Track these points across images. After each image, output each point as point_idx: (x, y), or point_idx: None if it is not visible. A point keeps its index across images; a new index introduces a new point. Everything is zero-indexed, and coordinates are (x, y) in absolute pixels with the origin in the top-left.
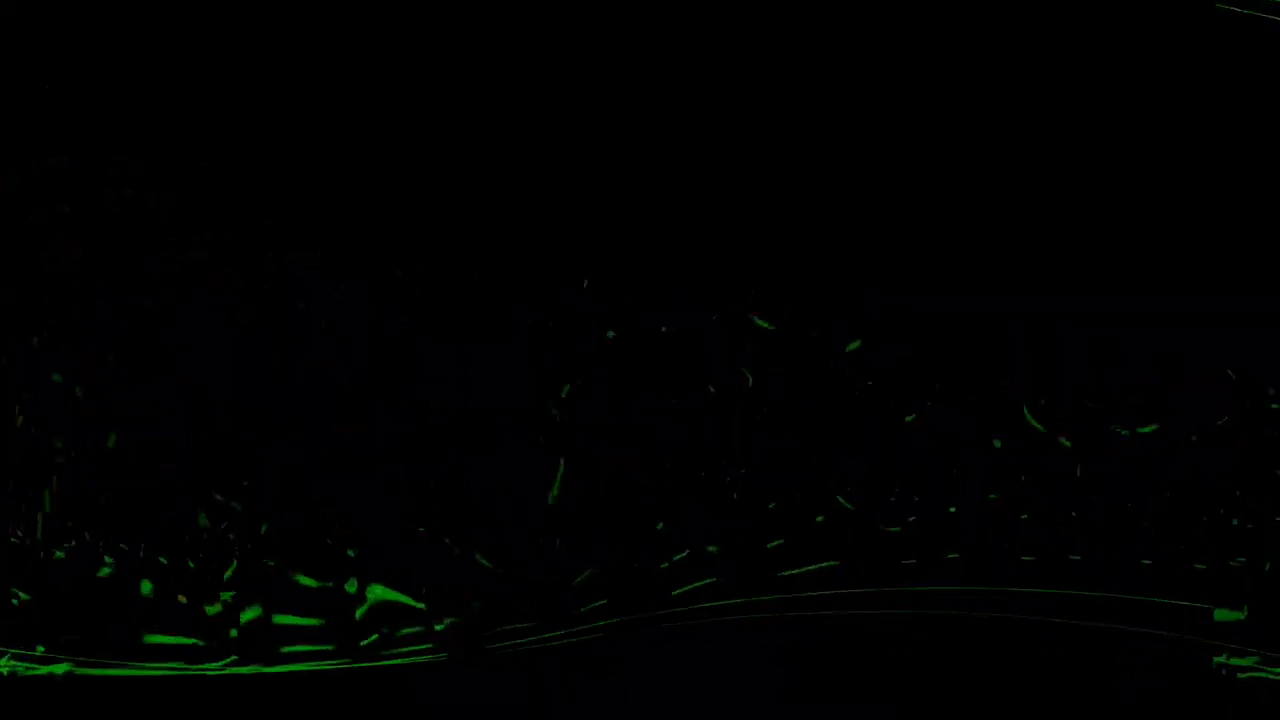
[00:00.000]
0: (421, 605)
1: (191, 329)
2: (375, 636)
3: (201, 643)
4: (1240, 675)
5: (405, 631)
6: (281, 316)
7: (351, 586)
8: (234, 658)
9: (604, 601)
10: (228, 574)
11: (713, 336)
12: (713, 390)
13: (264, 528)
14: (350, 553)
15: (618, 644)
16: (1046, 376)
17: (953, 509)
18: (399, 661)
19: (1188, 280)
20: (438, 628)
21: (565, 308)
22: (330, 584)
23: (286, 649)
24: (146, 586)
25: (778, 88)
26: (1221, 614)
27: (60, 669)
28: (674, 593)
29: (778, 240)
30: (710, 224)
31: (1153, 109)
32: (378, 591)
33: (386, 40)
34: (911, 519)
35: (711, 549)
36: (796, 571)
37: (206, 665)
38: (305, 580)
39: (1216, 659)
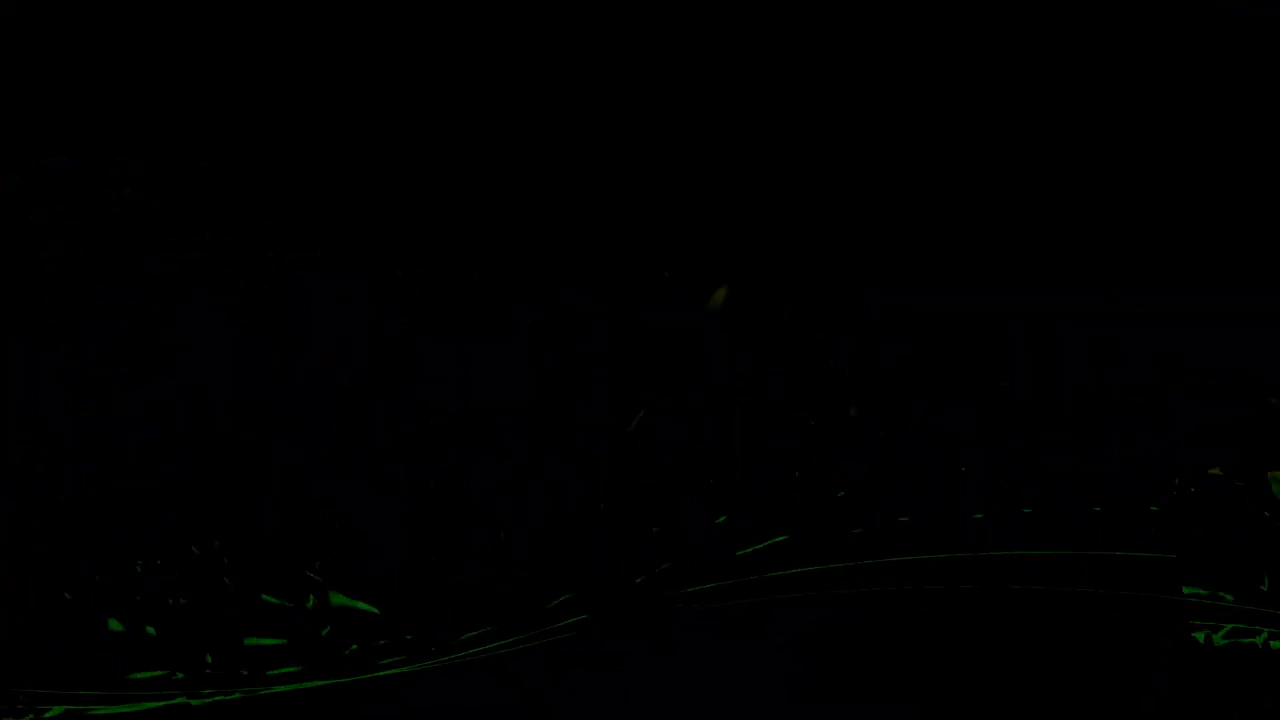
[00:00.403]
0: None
1: (191, 329)
2: (355, 647)
3: (180, 674)
4: (1218, 642)
5: (380, 641)
6: (281, 316)
7: (310, 603)
8: (211, 689)
9: (571, 596)
10: (185, 600)
11: (713, 336)
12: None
13: (215, 544)
14: (312, 573)
15: (591, 641)
16: (1046, 376)
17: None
18: (385, 673)
19: (1188, 280)
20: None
21: (565, 307)
22: (296, 600)
23: (270, 672)
24: (115, 624)
25: (777, 88)
26: (1190, 589)
27: (55, 710)
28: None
29: (777, 240)
30: (710, 224)
31: (1152, 109)
32: (339, 600)
33: (386, 41)
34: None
35: (654, 529)
36: (750, 549)
37: (190, 698)
38: (271, 599)
39: (1197, 632)
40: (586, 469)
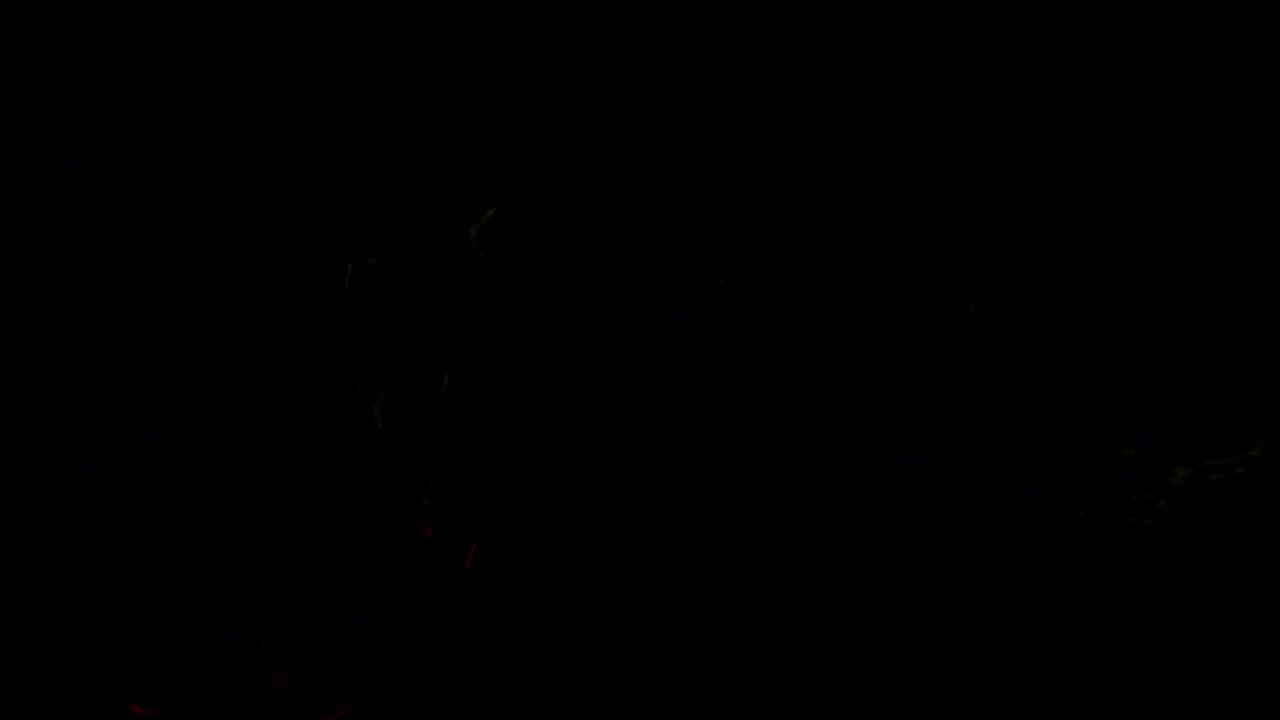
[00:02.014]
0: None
1: (191, 329)
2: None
3: None
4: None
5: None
6: (281, 316)
7: None
8: None
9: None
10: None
11: (713, 336)
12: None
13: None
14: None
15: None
16: (1046, 376)
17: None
18: None
19: (1188, 280)
20: None
21: (565, 307)
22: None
23: None
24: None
25: (777, 88)
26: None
27: None
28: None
29: (778, 240)
30: (710, 225)
31: (1153, 109)
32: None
33: (385, 41)
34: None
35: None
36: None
37: None
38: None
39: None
40: (586, 469)
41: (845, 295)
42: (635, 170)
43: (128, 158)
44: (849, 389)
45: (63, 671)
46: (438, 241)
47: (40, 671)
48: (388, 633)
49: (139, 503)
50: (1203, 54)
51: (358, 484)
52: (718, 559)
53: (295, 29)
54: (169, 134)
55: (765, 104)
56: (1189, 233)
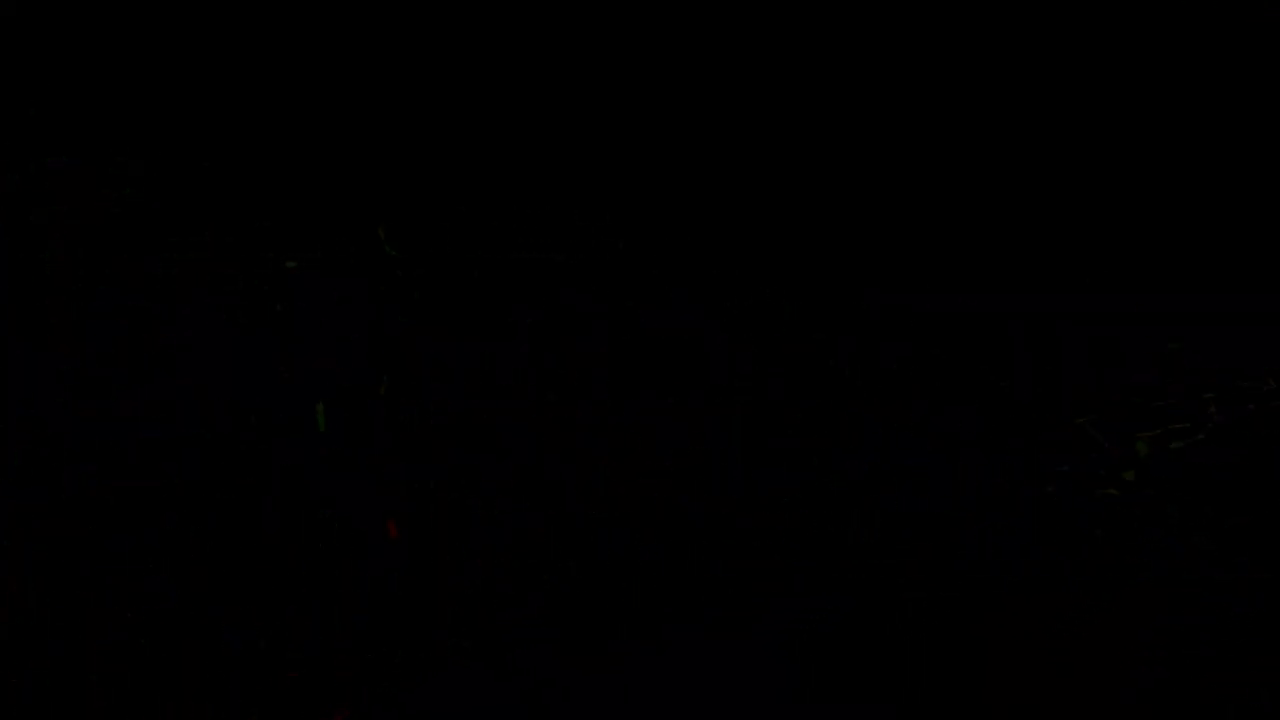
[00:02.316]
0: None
1: (191, 329)
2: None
3: None
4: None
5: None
6: (281, 316)
7: None
8: None
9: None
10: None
11: (713, 336)
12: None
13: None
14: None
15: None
16: (1046, 376)
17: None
18: None
19: (1188, 280)
20: None
21: (565, 307)
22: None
23: None
24: None
25: (778, 88)
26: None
27: None
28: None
29: (778, 240)
30: (711, 225)
31: (1154, 109)
32: None
33: (385, 41)
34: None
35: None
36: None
37: None
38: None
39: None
40: (586, 469)
41: (845, 295)
42: (635, 171)
43: (128, 158)
44: (849, 389)
45: (63, 671)
46: (437, 241)
47: (40, 671)
48: (388, 633)
49: (139, 503)
50: (1203, 54)
51: (358, 484)
52: (718, 559)
53: (295, 29)
54: (169, 134)
55: (765, 105)
56: (1189, 233)
